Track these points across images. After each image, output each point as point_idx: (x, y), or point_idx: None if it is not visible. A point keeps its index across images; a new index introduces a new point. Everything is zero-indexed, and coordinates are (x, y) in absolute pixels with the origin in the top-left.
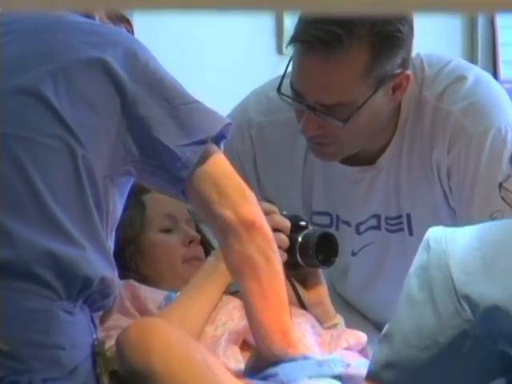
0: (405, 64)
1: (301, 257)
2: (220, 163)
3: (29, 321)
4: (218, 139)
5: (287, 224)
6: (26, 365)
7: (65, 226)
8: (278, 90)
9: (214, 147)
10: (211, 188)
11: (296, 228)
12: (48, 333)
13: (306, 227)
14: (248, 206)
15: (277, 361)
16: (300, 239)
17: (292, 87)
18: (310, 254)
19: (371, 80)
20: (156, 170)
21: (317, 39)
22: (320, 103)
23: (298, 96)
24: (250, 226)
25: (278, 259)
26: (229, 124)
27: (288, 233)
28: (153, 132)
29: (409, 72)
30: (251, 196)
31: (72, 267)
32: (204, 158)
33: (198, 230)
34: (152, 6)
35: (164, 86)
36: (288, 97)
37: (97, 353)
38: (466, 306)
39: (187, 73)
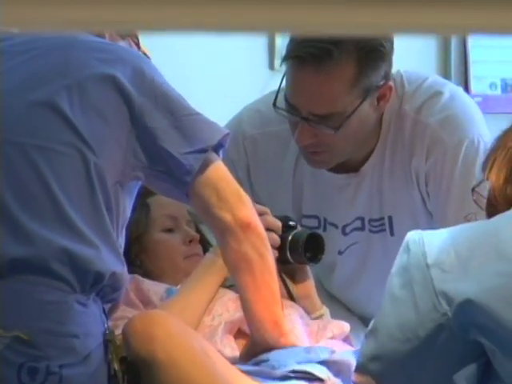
0: (387, 76)
1: (290, 254)
2: (219, 170)
3: (46, 312)
4: (217, 148)
5: (278, 224)
6: (44, 352)
7: (79, 226)
8: (274, 104)
9: (213, 155)
10: (211, 192)
11: (286, 228)
12: (63, 323)
13: (295, 227)
14: (244, 208)
15: (270, 348)
16: (290, 238)
17: (286, 101)
18: (299, 251)
19: (358, 91)
20: (162, 175)
21: (309, 55)
22: (313, 114)
23: (292, 109)
24: (245, 226)
25: (270, 256)
26: (227, 134)
27: (279, 232)
28: (159, 141)
29: (391, 83)
30: (247, 199)
31: (85, 263)
32: (205, 165)
33: (198, 230)
34: (154, 28)
35: (168, 99)
36: (283, 110)
37: (108, 341)
38: (443, 302)
39: (183, 87)
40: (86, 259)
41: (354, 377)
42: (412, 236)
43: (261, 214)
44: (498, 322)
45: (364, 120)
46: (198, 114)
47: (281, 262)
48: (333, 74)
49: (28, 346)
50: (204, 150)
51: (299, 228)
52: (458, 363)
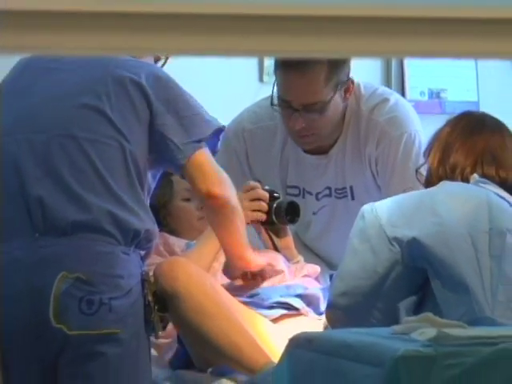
0: (348, 75)
1: (275, 217)
2: (206, 156)
3: (99, 259)
4: (208, 139)
5: (266, 195)
6: (98, 288)
7: (121, 197)
8: (272, 104)
9: (203, 146)
10: (198, 172)
11: (272, 198)
12: (112, 267)
13: (278, 197)
14: (217, 185)
15: (242, 270)
16: (275, 205)
17: (281, 99)
18: (282, 215)
19: (332, 85)
20: (161, 159)
21: (297, 64)
22: (303, 104)
23: (287, 104)
24: (214, 198)
25: (235, 218)
26: (218, 128)
27: (267, 201)
28: (167, 134)
29: (353, 79)
30: (224, 179)
31: (127, 224)
32: (196, 152)
33: None
34: (173, 53)
35: (177, 103)
36: (279, 106)
37: (144, 280)
38: (395, 244)
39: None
40: (127, 221)
41: (325, 313)
42: (366, 207)
43: (253, 188)
44: (437, 258)
45: (337, 108)
46: (198, 113)
47: (268, 223)
48: (313, 76)
49: (86, 284)
50: (198, 141)
51: (281, 198)
52: (404, 294)
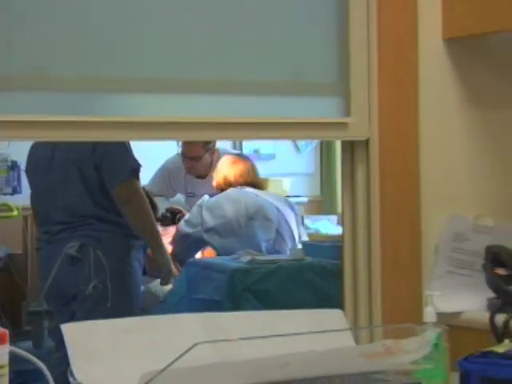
0: (214, 145)
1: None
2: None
3: None
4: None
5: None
6: None
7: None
8: (178, 154)
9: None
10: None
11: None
12: None
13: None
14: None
15: None
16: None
17: (182, 153)
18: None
19: (204, 149)
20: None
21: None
22: (191, 156)
23: (185, 156)
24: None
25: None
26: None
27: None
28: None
29: (216, 147)
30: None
31: None
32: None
33: (151, 200)
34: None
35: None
36: (182, 155)
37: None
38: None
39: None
40: None
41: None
42: (204, 197)
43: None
44: (218, 232)
45: (206, 160)
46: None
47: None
48: (196, 145)
49: None
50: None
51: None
52: None
